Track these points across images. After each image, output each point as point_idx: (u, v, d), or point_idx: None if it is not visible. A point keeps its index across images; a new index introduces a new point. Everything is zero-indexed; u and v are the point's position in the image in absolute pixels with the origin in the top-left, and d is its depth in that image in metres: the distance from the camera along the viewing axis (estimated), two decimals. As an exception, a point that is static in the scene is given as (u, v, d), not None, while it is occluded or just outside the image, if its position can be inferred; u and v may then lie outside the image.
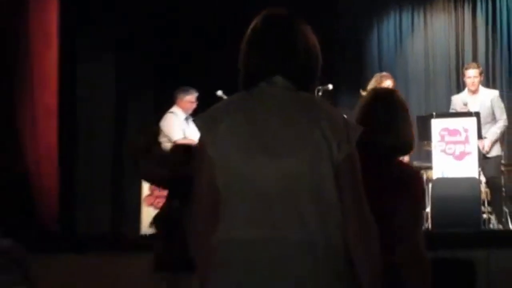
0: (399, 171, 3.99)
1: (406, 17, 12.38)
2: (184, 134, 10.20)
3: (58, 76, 10.33)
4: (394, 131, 3.95)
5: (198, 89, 10.48)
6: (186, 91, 10.30)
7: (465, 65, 10.79)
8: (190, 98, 10.31)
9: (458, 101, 10.01)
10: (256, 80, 3.10)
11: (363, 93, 9.82)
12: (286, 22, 3.17)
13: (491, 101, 9.96)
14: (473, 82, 9.95)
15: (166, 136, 10.22)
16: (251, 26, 3.19)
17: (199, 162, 3.13)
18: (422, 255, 3.88)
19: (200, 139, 3.14)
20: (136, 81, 11.77)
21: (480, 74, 10.05)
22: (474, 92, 9.95)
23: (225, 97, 9.61)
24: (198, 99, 10.39)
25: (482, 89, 10.08)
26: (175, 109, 10.33)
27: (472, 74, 9.98)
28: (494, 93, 10.19)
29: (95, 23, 11.10)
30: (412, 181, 3.99)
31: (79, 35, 10.87)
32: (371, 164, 3.54)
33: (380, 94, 4.16)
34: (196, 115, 9.84)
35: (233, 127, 3.05)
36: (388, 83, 9.89)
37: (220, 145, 3.04)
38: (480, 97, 9.97)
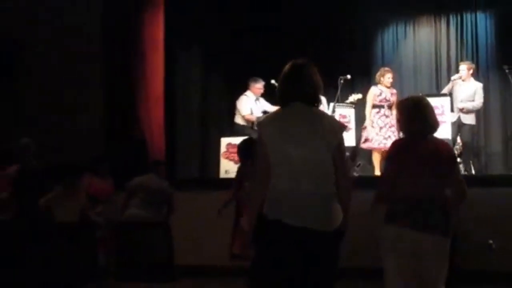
0: (436, 143, 4.64)
1: (401, 28, 12.04)
2: (252, 111, 10.16)
3: (163, 72, 10.49)
4: (428, 121, 4.63)
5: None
6: (256, 80, 10.32)
7: (460, 61, 10.80)
8: (258, 86, 10.31)
9: (449, 84, 10.12)
10: (286, 102, 4.07)
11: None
12: (302, 68, 4.11)
13: (475, 90, 9.89)
14: (461, 75, 9.96)
15: (238, 111, 10.29)
16: (284, 69, 4.15)
17: (259, 145, 4.08)
18: (465, 188, 4.56)
19: (259, 133, 4.10)
20: (216, 72, 11.90)
21: (468, 69, 9.96)
22: (464, 80, 9.92)
23: (277, 84, 9.73)
24: (265, 86, 10.32)
25: (472, 80, 9.99)
26: (248, 92, 10.34)
27: (461, 68, 10.09)
28: (479, 85, 10.01)
29: (187, 31, 11.16)
30: (445, 146, 4.74)
31: (176, 40, 10.91)
32: (416, 142, 4.56)
33: (415, 100, 4.78)
34: (263, 97, 9.99)
35: (276, 128, 4.01)
36: (389, 75, 10.01)
37: (270, 137, 4.00)
38: (469, 85, 9.89)
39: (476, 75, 10.33)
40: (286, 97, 4.07)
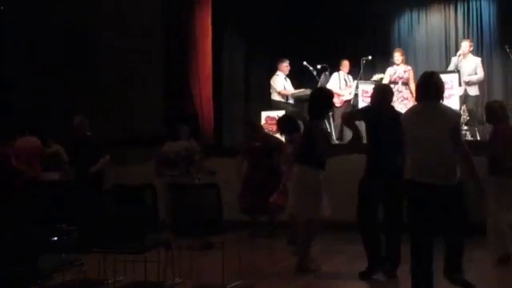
0: None
1: (414, 14, 11.87)
2: (284, 87, 10.09)
3: (212, 55, 10.47)
4: None
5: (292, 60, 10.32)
6: (282, 61, 10.28)
7: (462, 39, 10.49)
8: (285, 64, 10.24)
9: (454, 61, 9.79)
10: (420, 100, 4.80)
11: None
12: (431, 77, 4.79)
13: (476, 64, 9.66)
14: (463, 51, 9.68)
15: (274, 88, 10.16)
16: (419, 77, 4.88)
17: (405, 132, 4.75)
18: None
19: (403, 122, 4.79)
20: (255, 56, 11.73)
21: (470, 46, 9.70)
22: (464, 57, 9.65)
23: (308, 66, 9.67)
24: (291, 65, 10.22)
25: (471, 56, 9.74)
26: (278, 72, 10.28)
27: (464, 44, 9.83)
28: (478, 59, 9.81)
29: (231, 19, 11.10)
30: None
31: (223, 27, 10.87)
32: None
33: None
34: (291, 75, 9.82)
35: (411, 117, 4.79)
36: (396, 53, 9.84)
37: (408, 124, 4.72)
38: (469, 61, 9.63)
39: (474, 52, 10.05)
40: (420, 97, 4.80)
